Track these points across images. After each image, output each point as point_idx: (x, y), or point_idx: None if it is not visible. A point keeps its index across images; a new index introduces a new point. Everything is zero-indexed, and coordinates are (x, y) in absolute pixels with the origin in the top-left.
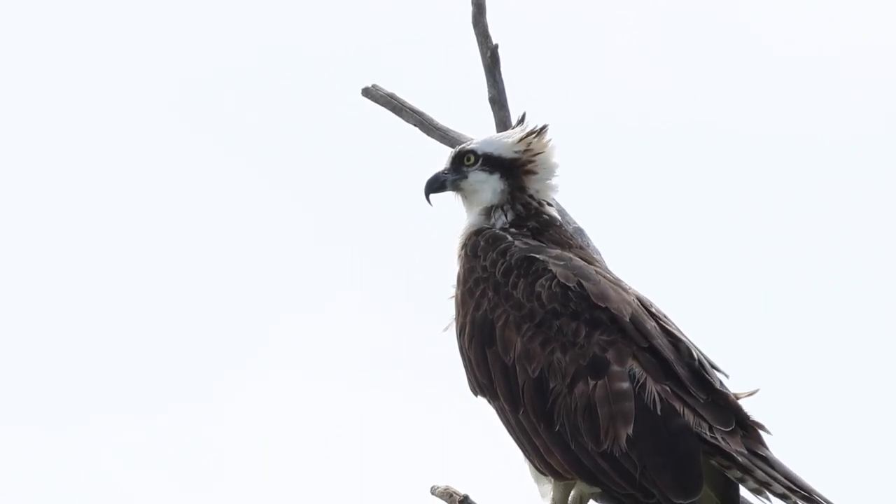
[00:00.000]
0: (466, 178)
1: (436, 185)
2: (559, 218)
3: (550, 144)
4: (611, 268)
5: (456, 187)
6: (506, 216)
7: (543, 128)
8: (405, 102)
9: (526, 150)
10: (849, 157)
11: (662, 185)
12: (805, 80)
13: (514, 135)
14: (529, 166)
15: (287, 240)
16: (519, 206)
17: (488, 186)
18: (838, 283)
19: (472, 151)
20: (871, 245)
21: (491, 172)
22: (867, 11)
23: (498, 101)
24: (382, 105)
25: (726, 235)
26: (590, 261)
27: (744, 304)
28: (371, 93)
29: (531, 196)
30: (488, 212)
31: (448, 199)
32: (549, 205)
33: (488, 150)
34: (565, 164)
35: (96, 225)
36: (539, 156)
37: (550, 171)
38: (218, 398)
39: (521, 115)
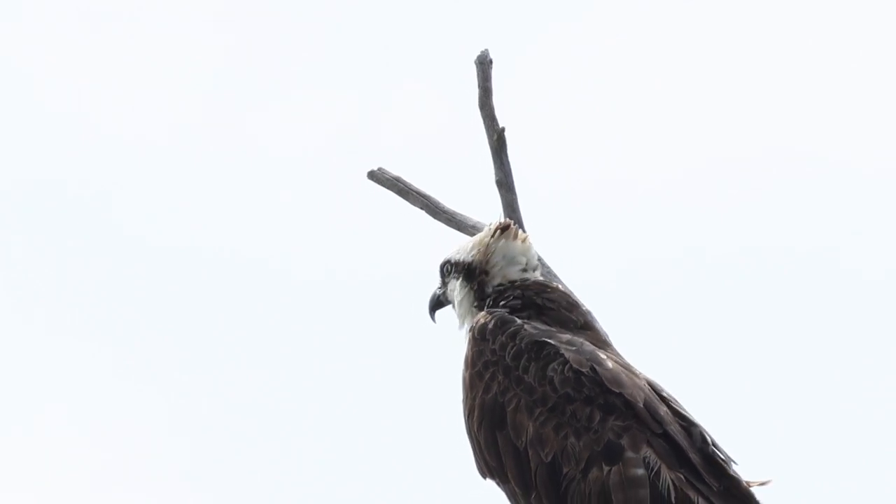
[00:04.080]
0: (447, 287)
1: (433, 302)
2: (551, 283)
3: (509, 241)
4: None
5: (446, 299)
6: (487, 306)
7: (507, 226)
8: (411, 186)
9: (478, 253)
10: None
11: (663, 263)
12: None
13: (476, 237)
14: (485, 267)
15: None
16: (489, 301)
17: (461, 291)
18: (849, 365)
19: (448, 261)
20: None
21: (462, 278)
22: None
23: (505, 183)
24: (388, 188)
25: (735, 319)
26: (600, 345)
27: (750, 388)
28: (377, 176)
29: (499, 287)
30: (474, 314)
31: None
32: (523, 281)
33: (457, 257)
34: (576, 245)
35: None
36: (491, 256)
37: (512, 263)
38: None
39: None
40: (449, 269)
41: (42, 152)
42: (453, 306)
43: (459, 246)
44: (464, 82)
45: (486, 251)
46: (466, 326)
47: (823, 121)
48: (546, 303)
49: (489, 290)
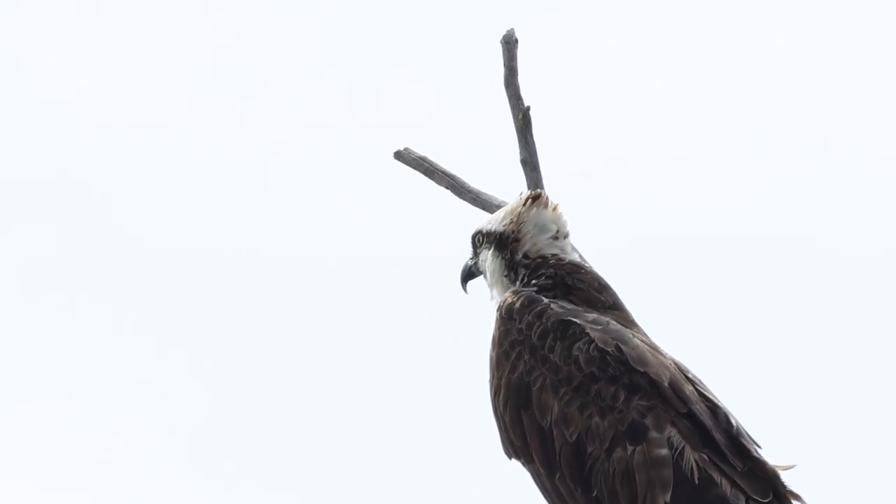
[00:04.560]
0: (478, 258)
1: (465, 273)
2: (584, 265)
3: (541, 210)
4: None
5: (478, 270)
6: (519, 281)
7: (538, 195)
8: (437, 165)
9: (511, 223)
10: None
11: (685, 241)
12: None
13: (507, 207)
14: (517, 236)
15: None
16: (522, 270)
17: (492, 261)
18: (854, 359)
19: (479, 231)
20: None
21: (494, 248)
22: None
23: (530, 162)
24: (414, 168)
25: (761, 305)
26: (627, 324)
27: (775, 372)
28: (403, 156)
29: (527, 257)
30: (505, 284)
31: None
32: (558, 257)
33: (488, 227)
34: (600, 223)
35: None
36: (523, 225)
37: (543, 231)
38: None
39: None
40: (481, 239)
41: (42, 151)
42: (485, 277)
43: (491, 217)
44: (489, 62)
45: (518, 220)
46: (497, 297)
47: (836, 108)
48: (576, 282)
49: (519, 257)
